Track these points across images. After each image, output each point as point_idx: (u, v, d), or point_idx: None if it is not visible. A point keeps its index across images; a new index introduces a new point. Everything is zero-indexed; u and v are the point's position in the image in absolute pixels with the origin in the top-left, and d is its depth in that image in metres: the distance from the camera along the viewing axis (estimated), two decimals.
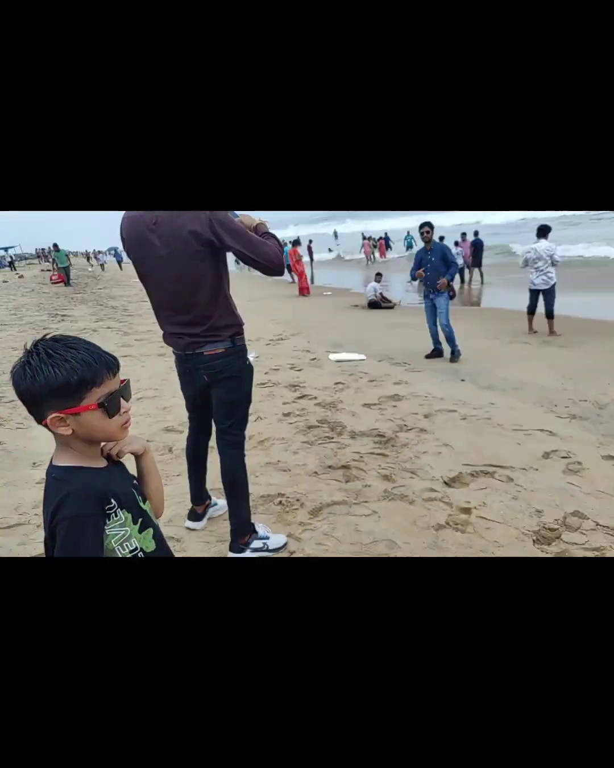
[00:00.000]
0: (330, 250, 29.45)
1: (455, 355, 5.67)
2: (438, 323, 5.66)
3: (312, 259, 21.70)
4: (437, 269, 5.46)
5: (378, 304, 9.97)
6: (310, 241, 23.13)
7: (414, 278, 5.78)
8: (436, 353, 5.87)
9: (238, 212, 1.88)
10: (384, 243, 22.94)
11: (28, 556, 2.19)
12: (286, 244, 15.36)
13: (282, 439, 3.50)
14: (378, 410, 4.03)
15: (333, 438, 3.47)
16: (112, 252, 39.01)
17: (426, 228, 5.50)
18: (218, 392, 2.04)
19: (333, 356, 5.89)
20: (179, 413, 3.76)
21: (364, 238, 24.50)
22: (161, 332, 2.04)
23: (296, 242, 13.72)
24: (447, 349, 5.78)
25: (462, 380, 4.93)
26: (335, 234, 45.64)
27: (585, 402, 4.08)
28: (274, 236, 1.86)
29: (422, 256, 5.60)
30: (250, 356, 5.91)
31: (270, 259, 1.72)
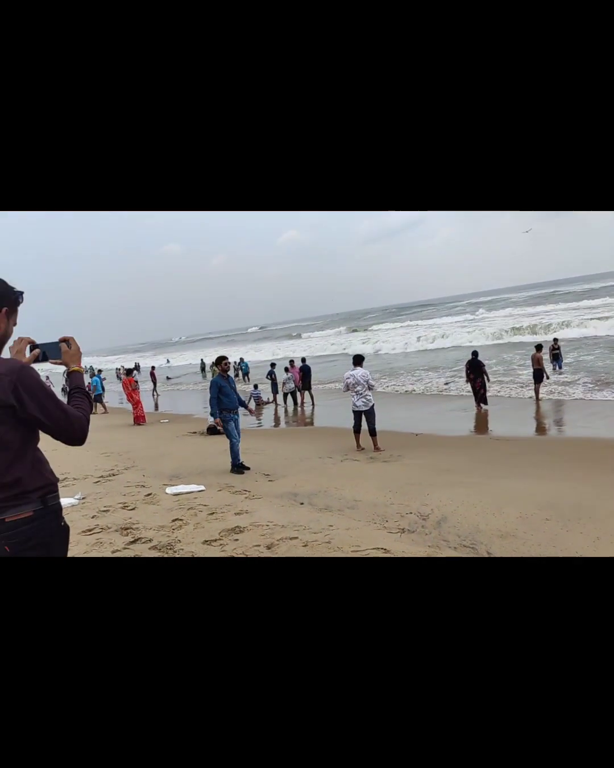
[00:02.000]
0: (168, 378, 29.55)
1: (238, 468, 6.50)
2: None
3: (155, 385, 21.43)
4: (235, 392, 6.63)
5: (216, 429, 10.00)
6: (153, 367, 23.07)
7: (215, 404, 6.50)
8: (244, 467, 6.50)
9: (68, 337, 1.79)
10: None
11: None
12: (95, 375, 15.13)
13: None
14: (219, 546, 3.83)
15: None
16: None
17: (227, 360, 6.82)
18: None
19: (170, 490, 5.60)
20: None
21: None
22: None
23: (130, 371, 13.53)
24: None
25: (302, 503, 5.02)
26: (166, 360, 46.32)
27: (410, 514, 4.41)
28: (85, 395, 1.78)
29: (223, 383, 6.53)
30: (73, 498, 5.31)
31: (71, 435, 1.58)
